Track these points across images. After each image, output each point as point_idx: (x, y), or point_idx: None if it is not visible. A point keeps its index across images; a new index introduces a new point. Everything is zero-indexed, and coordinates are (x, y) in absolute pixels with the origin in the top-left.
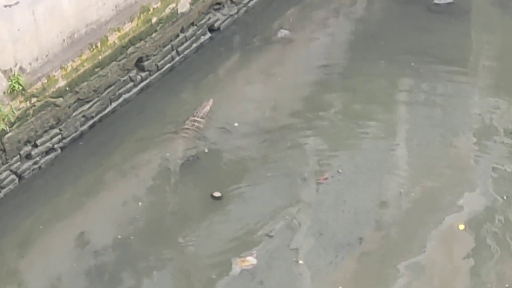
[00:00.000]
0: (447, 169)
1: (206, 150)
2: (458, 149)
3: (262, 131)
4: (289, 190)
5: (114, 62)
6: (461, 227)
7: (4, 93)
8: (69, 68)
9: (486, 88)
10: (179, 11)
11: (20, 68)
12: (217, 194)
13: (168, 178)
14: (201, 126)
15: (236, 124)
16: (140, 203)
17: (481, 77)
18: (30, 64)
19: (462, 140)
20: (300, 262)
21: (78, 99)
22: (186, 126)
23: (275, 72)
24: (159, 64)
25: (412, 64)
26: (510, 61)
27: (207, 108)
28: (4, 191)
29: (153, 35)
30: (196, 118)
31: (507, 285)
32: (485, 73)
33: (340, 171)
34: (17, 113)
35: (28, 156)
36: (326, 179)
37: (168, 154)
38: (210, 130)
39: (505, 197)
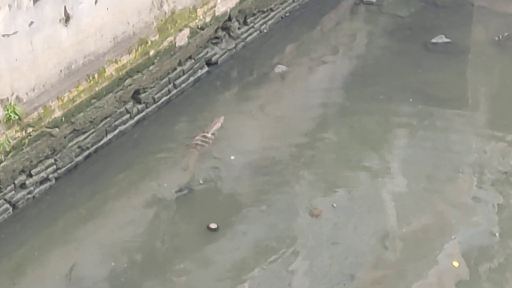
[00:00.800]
0: (444, 206)
1: (201, 181)
2: (454, 186)
3: (258, 165)
4: (283, 224)
5: (111, 94)
6: (456, 264)
7: (0, 122)
8: (66, 99)
9: (482, 127)
10: (177, 45)
11: (17, 97)
12: (213, 225)
13: (162, 209)
14: (210, 142)
15: (232, 157)
16: (134, 234)
17: (478, 115)
18: (27, 93)
19: (459, 178)
20: None
21: (74, 129)
22: (195, 142)
23: (272, 108)
24: (155, 96)
25: (410, 100)
26: (506, 100)
27: (218, 125)
28: None
29: (151, 67)
30: (206, 134)
31: None
32: (481, 112)
33: (335, 205)
34: (12, 142)
35: (23, 186)
36: (320, 213)
37: (165, 185)
38: (206, 161)
39: (497, 235)
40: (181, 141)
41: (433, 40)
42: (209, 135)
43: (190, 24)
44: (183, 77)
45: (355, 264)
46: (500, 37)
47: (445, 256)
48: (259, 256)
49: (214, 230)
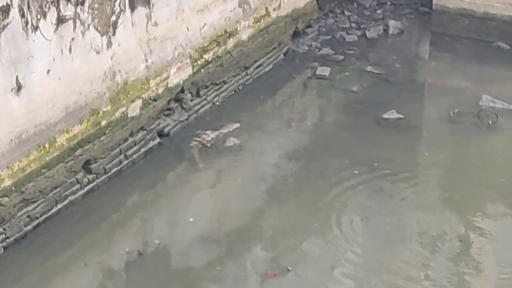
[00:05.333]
0: (393, 278)
1: (158, 239)
2: (403, 264)
3: (210, 239)
4: None
5: (61, 164)
6: None
7: None
8: (16, 168)
9: (434, 202)
10: (129, 115)
11: None
12: None
13: (112, 278)
14: (209, 139)
15: (191, 220)
16: None
17: (429, 191)
18: None
19: (407, 254)
20: None
21: (24, 199)
22: (200, 138)
23: (223, 182)
24: (106, 167)
25: (361, 175)
26: (456, 176)
27: (229, 129)
28: None
29: (102, 138)
30: (208, 133)
31: None
32: (433, 187)
33: (290, 268)
34: None
35: None
36: (274, 275)
37: (115, 255)
38: (161, 222)
39: None
40: (132, 212)
41: (385, 116)
42: (211, 133)
43: (143, 95)
44: (134, 148)
45: None
46: (452, 113)
47: None
48: None
49: None
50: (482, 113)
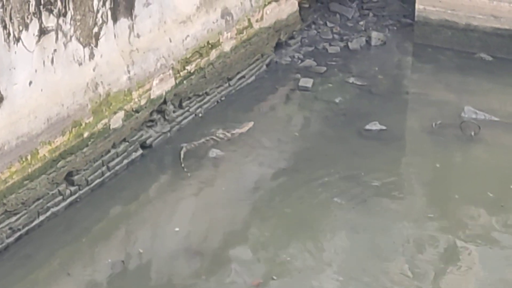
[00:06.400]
0: None
1: (142, 250)
2: (387, 275)
3: (194, 251)
4: None
5: (43, 175)
6: None
7: None
8: None
9: (417, 213)
10: (111, 127)
11: None
12: None
13: None
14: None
15: (177, 229)
16: None
17: (412, 202)
18: None
19: (391, 266)
20: None
21: (6, 210)
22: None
23: (207, 194)
24: (89, 179)
25: (344, 186)
26: (439, 187)
27: (245, 128)
28: None
29: (84, 149)
30: (225, 133)
31: None
32: (416, 199)
33: (275, 277)
34: None
35: None
36: (259, 284)
37: (98, 267)
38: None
39: None
40: (115, 223)
41: (367, 127)
42: (229, 134)
43: (125, 107)
44: (117, 160)
45: None
46: (434, 124)
47: None
48: None
49: None
50: (464, 125)
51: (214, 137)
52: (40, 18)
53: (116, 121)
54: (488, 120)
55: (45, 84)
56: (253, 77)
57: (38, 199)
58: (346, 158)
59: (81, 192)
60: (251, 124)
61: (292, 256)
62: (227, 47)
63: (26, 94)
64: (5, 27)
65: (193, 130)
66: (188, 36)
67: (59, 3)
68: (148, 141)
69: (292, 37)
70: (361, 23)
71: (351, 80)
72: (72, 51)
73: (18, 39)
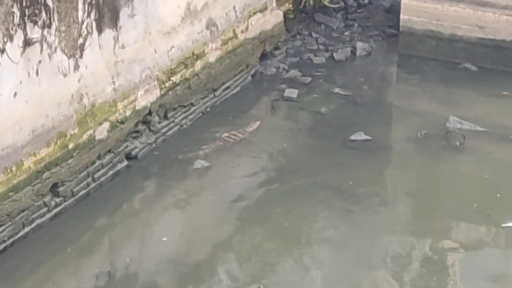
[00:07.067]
0: None
1: (128, 260)
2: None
3: (180, 259)
4: None
5: (28, 187)
6: None
7: None
8: None
9: (402, 224)
10: (96, 138)
11: None
12: None
13: None
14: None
15: (164, 239)
16: None
17: (397, 212)
18: None
19: (375, 276)
20: None
21: None
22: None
23: (192, 204)
24: (74, 190)
25: (329, 197)
26: (424, 197)
27: (251, 129)
28: None
29: (69, 161)
30: (236, 133)
31: None
32: (401, 209)
33: (261, 287)
34: None
35: None
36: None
37: (84, 278)
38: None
39: None
40: (100, 234)
41: (352, 137)
42: (240, 135)
43: (110, 118)
44: (102, 171)
45: None
46: (419, 135)
47: None
48: None
49: None
50: (449, 135)
51: (227, 138)
52: (24, 30)
53: (101, 132)
54: (473, 130)
55: (30, 96)
56: (238, 88)
57: (23, 211)
58: (331, 169)
59: (66, 203)
60: (258, 122)
61: (278, 266)
62: (212, 58)
63: (11, 105)
64: None
65: (178, 141)
66: (173, 47)
67: (43, 14)
68: (133, 152)
69: (277, 48)
70: (346, 33)
71: (336, 90)
72: (57, 62)
73: (2, 51)
